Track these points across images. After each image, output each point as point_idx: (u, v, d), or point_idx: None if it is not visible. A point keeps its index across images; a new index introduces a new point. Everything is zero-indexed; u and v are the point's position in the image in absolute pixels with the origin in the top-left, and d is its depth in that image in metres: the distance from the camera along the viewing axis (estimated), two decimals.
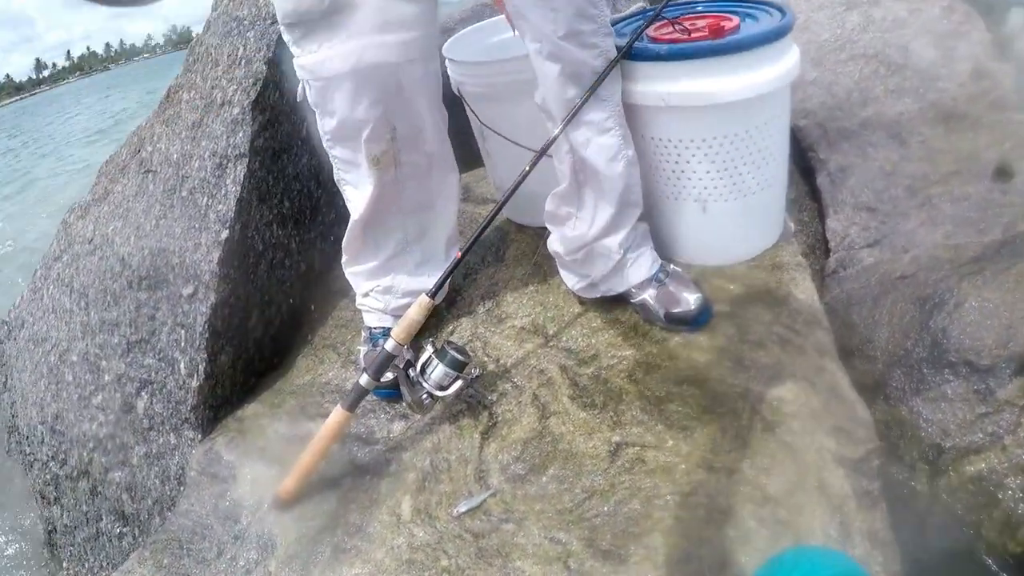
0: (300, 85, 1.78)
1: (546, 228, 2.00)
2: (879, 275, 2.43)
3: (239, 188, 2.19)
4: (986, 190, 2.54)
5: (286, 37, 1.72)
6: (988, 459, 1.86)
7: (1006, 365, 1.90)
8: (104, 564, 2.27)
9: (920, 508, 1.88)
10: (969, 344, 1.97)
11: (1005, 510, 1.78)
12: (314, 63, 1.70)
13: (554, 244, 1.97)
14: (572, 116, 1.70)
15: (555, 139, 1.74)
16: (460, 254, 1.75)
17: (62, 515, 2.37)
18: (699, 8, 2.02)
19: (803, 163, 2.91)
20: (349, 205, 1.94)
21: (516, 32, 1.74)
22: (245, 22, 2.39)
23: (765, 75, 1.72)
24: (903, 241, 2.55)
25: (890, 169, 2.70)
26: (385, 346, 1.69)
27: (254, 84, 2.28)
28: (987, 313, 1.98)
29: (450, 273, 1.77)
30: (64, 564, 2.37)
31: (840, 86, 2.85)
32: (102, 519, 2.28)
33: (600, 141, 1.76)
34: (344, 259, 2.03)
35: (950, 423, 1.93)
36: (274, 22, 2.34)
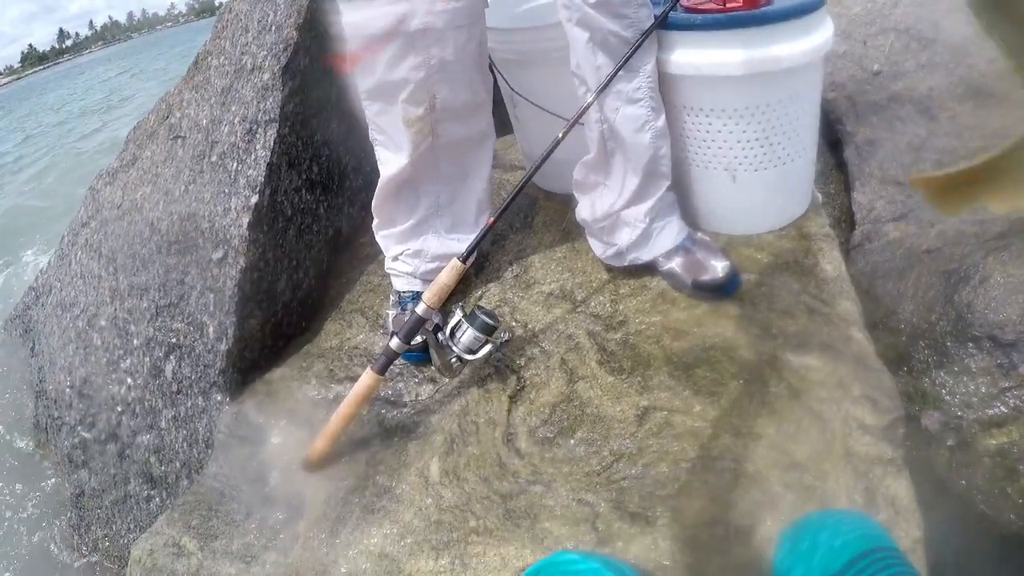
0: (349, 44, 1.79)
1: (574, 195, 2.01)
2: (904, 249, 2.42)
3: (269, 153, 2.20)
4: None
5: None
6: (1010, 433, 1.86)
7: None
8: (132, 527, 2.30)
9: (942, 479, 1.89)
10: (993, 319, 1.97)
11: None
12: (363, 19, 1.71)
13: (582, 212, 1.98)
14: (604, 87, 1.71)
15: (587, 108, 1.74)
16: (492, 220, 1.76)
17: (90, 478, 2.40)
18: None
19: (830, 136, 2.89)
20: (380, 164, 1.95)
21: None
22: None
23: (799, 47, 1.71)
24: (929, 215, 2.54)
25: (918, 144, 2.68)
26: (416, 310, 1.70)
27: (284, 50, 2.27)
28: (1012, 288, 1.98)
29: (481, 238, 1.77)
30: (92, 527, 2.40)
31: (870, 59, 2.83)
32: (130, 482, 2.30)
33: (628, 111, 1.76)
34: (375, 222, 2.04)
35: (972, 396, 1.94)
36: None
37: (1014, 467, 1.82)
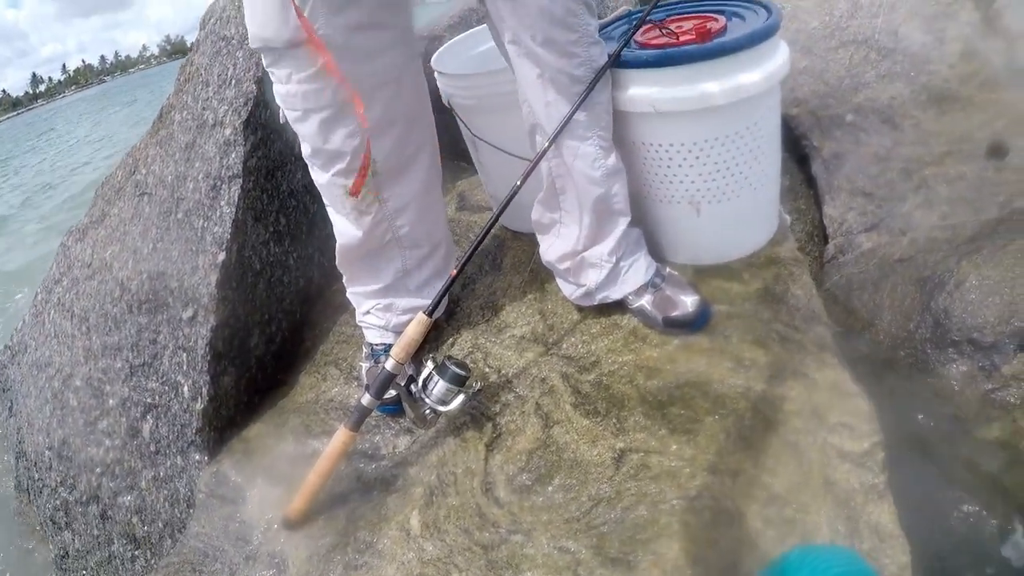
0: (281, 109, 1.74)
1: (536, 236, 2.00)
2: (878, 259, 2.44)
3: (234, 209, 2.19)
4: (980, 169, 2.53)
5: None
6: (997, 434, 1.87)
7: (1009, 341, 1.92)
8: None
9: (932, 489, 1.89)
10: (971, 322, 1.98)
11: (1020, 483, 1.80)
12: (286, 93, 1.67)
13: (546, 254, 1.96)
14: (561, 129, 1.68)
15: (545, 151, 1.72)
16: (455, 272, 1.74)
17: (74, 540, 2.38)
18: (685, 8, 2.01)
19: (797, 151, 2.90)
20: (335, 229, 1.91)
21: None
22: (233, 42, 2.39)
23: (754, 76, 1.70)
24: (900, 224, 2.55)
25: (884, 153, 2.69)
26: (385, 365, 1.68)
27: (245, 104, 2.27)
28: (987, 291, 1.99)
29: (447, 290, 1.76)
30: None
31: (831, 73, 2.84)
32: (114, 543, 2.28)
33: (577, 148, 1.73)
34: (344, 278, 2.02)
35: (958, 402, 1.94)
36: None
37: (1004, 466, 1.83)
